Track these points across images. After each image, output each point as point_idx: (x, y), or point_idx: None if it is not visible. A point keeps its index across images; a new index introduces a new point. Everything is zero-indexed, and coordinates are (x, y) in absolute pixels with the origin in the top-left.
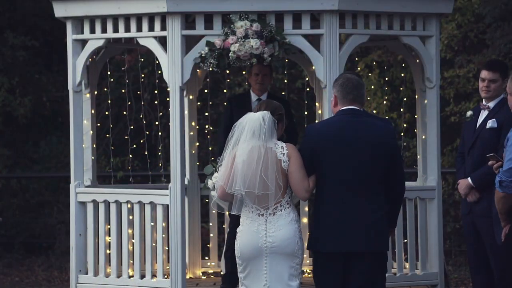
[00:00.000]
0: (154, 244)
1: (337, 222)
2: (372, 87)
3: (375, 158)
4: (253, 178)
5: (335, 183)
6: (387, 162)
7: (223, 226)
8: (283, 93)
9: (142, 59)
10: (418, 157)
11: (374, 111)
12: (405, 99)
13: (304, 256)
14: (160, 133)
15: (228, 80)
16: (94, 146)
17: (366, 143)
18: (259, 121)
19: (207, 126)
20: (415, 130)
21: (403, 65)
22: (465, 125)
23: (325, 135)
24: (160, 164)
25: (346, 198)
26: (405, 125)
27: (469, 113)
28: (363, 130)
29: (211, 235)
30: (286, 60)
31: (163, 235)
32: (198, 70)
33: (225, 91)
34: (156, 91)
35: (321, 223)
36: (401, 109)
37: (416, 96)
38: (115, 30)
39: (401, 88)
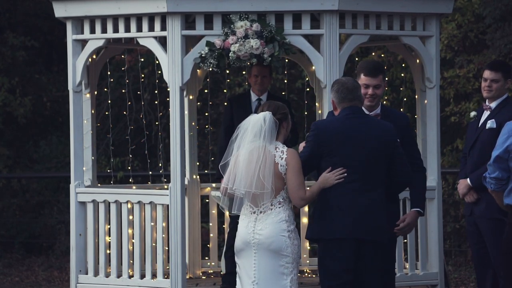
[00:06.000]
0: (154, 244)
1: (348, 212)
2: None
3: (381, 155)
4: (251, 178)
5: (345, 178)
6: (388, 158)
7: (223, 226)
8: (283, 93)
9: (142, 59)
10: None
11: None
12: (405, 99)
13: (304, 256)
14: (160, 133)
15: (228, 80)
16: (94, 146)
17: (374, 139)
18: (260, 122)
19: (207, 126)
20: (415, 130)
21: (403, 65)
22: (469, 125)
23: (334, 132)
24: (160, 164)
25: (355, 191)
26: None
27: (472, 113)
28: (370, 127)
29: (211, 235)
30: (286, 60)
31: (163, 235)
32: (198, 70)
33: (225, 91)
34: (156, 91)
35: (330, 213)
36: (401, 109)
37: (416, 96)
38: (115, 30)
39: (401, 88)
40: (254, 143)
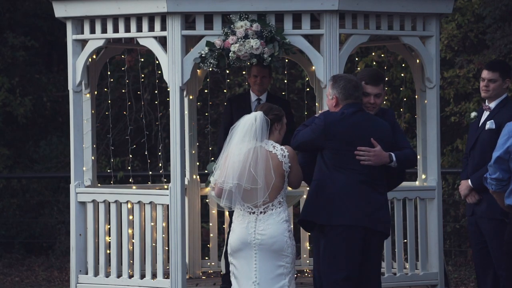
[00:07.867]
0: (154, 244)
1: (357, 201)
2: None
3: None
4: (242, 172)
5: (349, 172)
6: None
7: (223, 226)
8: (283, 93)
9: (142, 59)
10: (418, 157)
11: None
12: (405, 99)
13: (304, 256)
14: (160, 133)
15: (228, 80)
16: (94, 146)
17: (378, 139)
18: (250, 120)
19: (207, 126)
20: (415, 130)
21: (403, 65)
22: (470, 125)
23: (343, 128)
24: (160, 164)
25: (362, 183)
26: (405, 125)
27: (473, 114)
28: (374, 125)
29: (211, 235)
30: (286, 60)
31: (163, 235)
32: (198, 70)
33: (225, 91)
34: (156, 91)
35: (337, 200)
36: (401, 109)
37: (416, 96)
38: (115, 30)
39: (401, 88)
40: (245, 143)
